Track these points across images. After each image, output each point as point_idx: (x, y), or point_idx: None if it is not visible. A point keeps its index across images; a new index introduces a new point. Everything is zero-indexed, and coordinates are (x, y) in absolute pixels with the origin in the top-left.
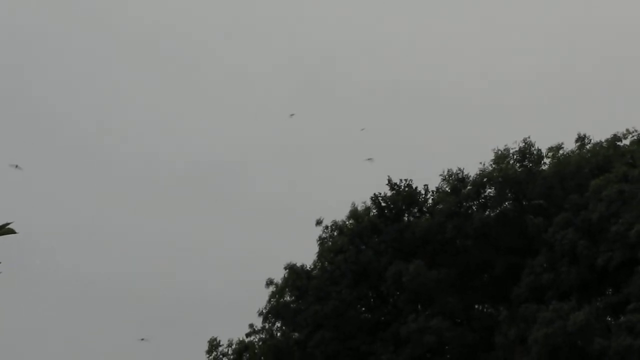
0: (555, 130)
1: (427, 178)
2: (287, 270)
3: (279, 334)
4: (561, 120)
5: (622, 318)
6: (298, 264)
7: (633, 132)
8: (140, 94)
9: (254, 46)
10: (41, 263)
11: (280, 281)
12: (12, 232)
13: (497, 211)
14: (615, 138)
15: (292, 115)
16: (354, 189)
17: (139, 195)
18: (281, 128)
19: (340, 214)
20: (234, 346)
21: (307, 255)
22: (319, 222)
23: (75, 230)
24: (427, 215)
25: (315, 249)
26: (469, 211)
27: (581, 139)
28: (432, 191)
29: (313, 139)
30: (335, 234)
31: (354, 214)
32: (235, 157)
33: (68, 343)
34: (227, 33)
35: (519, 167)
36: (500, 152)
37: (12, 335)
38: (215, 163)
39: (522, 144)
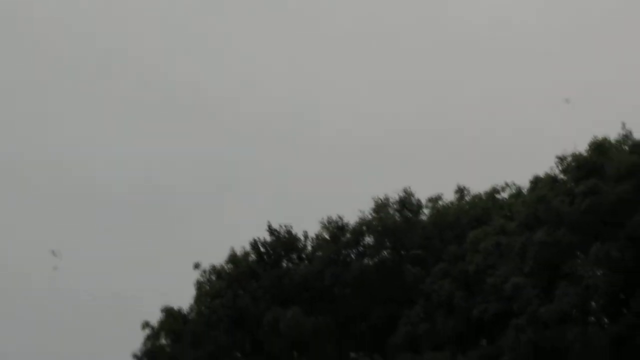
0: (435, 180)
1: (307, 224)
2: (164, 313)
3: None
4: (441, 171)
5: None
6: (175, 307)
7: (511, 185)
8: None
9: None
10: None
11: (156, 324)
12: None
13: (376, 260)
14: (494, 190)
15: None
16: (233, 233)
17: None
18: (159, 166)
19: (219, 258)
20: None
21: (184, 299)
22: (197, 266)
23: None
24: (306, 262)
25: (192, 292)
26: (348, 259)
27: (460, 191)
28: (312, 238)
29: (193, 184)
30: (214, 278)
31: (232, 258)
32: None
33: None
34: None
35: (399, 217)
36: (380, 201)
37: None
38: None
39: (402, 194)
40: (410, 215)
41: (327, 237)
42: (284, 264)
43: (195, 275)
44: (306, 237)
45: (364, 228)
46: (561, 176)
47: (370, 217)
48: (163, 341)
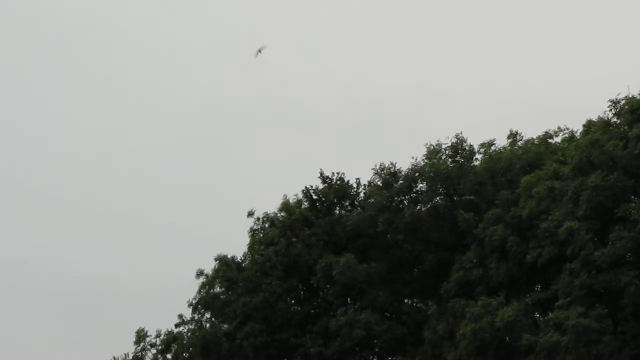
0: (487, 126)
1: (359, 171)
2: (218, 262)
3: (207, 325)
4: (494, 116)
5: (550, 314)
6: (229, 255)
7: (564, 129)
8: None
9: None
10: None
11: (210, 272)
12: None
13: (429, 206)
14: (547, 135)
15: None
16: (286, 181)
17: None
18: (210, 116)
19: (272, 206)
20: (162, 337)
21: (238, 247)
22: (250, 214)
23: None
24: (359, 208)
25: (246, 240)
26: (400, 205)
27: (513, 136)
28: (364, 185)
29: (245, 130)
30: (267, 225)
31: (285, 206)
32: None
33: None
34: None
35: (451, 163)
36: (432, 147)
37: None
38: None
39: (454, 140)
40: (463, 161)
41: (379, 183)
42: (337, 211)
43: (249, 223)
44: (358, 184)
45: (417, 174)
46: (614, 120)
47: (422, 163)
48: (217, 289)
